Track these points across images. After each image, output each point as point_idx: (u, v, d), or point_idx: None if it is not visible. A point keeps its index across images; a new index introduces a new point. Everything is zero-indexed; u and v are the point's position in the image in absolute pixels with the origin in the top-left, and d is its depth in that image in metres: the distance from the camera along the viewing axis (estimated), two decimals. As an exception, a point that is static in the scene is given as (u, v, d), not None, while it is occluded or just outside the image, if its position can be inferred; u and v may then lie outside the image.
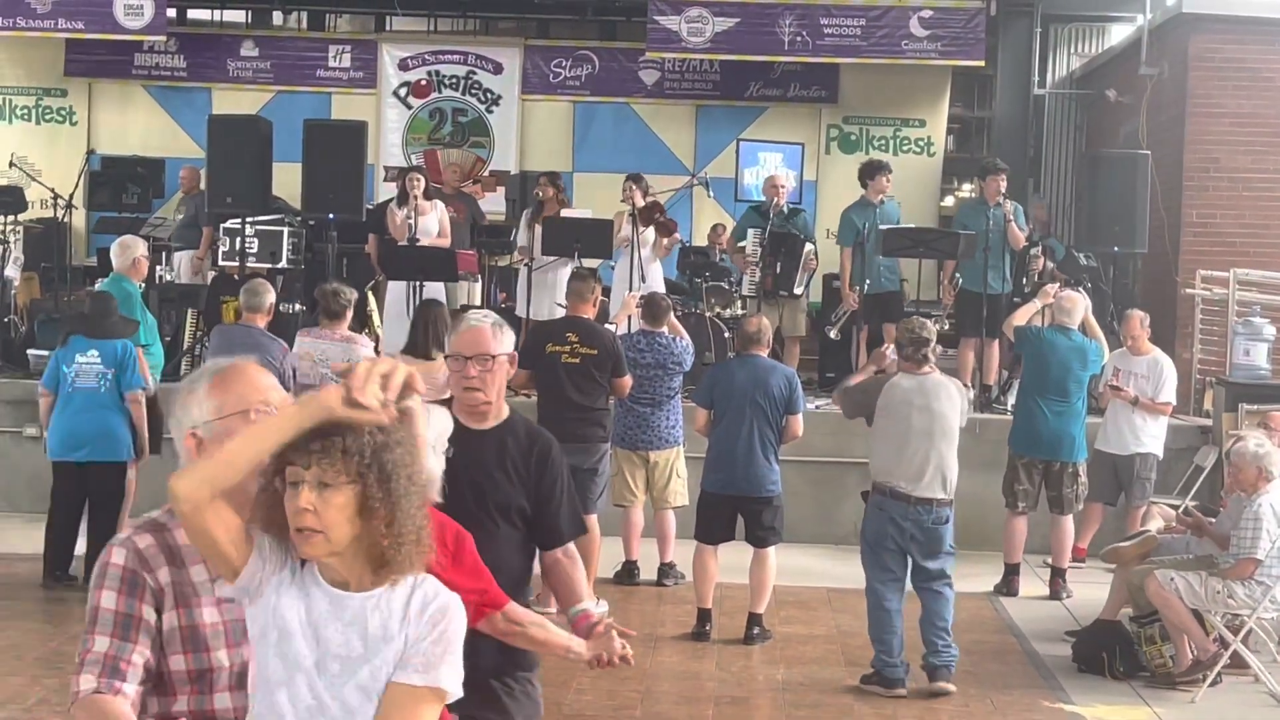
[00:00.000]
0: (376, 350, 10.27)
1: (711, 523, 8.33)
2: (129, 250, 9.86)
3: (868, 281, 11.80)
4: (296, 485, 2.63)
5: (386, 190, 14.75)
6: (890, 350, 7.89)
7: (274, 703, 2.65)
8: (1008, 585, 9.57)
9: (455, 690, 2.67)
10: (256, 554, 2.67)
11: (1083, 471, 9.58)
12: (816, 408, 10.95)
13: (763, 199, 12.57)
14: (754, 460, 8.14)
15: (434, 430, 4.14)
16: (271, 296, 8.98)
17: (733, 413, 8.19)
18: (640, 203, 11.59)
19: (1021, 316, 9.86)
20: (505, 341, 4.16)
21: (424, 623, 2.67)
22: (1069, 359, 9.45)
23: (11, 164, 14.87)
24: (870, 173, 12.13)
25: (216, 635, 2.90)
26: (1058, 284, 10.57)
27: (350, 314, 9.19)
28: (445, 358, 4.26)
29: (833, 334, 12.20)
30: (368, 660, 2.64)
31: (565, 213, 12.11)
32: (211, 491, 2.61)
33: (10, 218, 12.83)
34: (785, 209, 12.31)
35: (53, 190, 13.31)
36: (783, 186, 12.40)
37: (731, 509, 8.29)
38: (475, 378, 4.09)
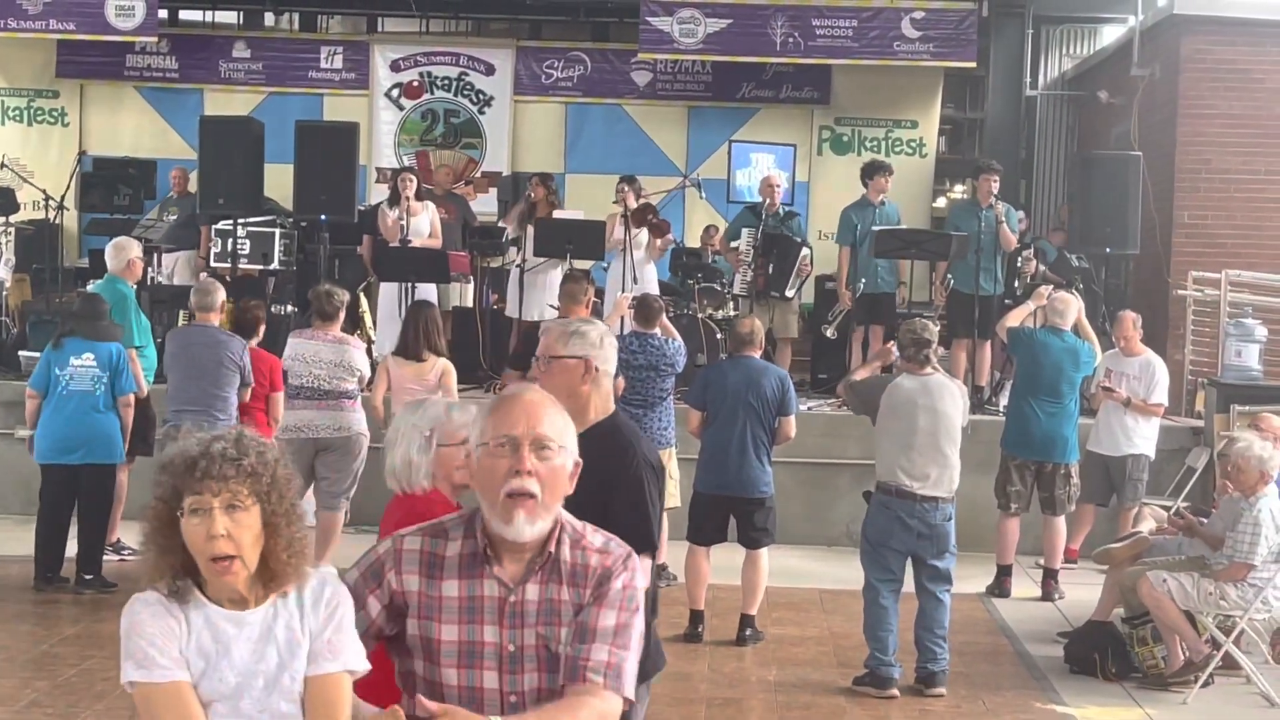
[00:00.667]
0: (369, 352, 10.25)
1: (704, 524, 8.32)
2: (124, 252, 9.82)
3: (863, 281, 11.81)
4: (202, 513, 2.66)
5: (379, 191, 14.73)
6: (895, 347, 7.89)
7: None
8: (1000, 586, 9.58)
9: (363, 665, 2.80)
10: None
11: (1075, 473, 9.57)
12: (809, 409, 10.95)
13: (757, 199, 12.57)
14: (746, 461, 8.13)
15: (427, 422, 4.13)
16: (222, 294, 9.09)
17: (725, 414, 8.18)
18: (633, 204, 11.58)
19: (1014, 318, 9.86)
20: (576, 345, 4.08)
21: (321, 614, 2.79)
22: (1061, 360, 9.45)
23: (3, 165, 14.86)
24: (870, 172, 12.16)
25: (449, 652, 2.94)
26: (1050, 285, 10.57)
27: (343, 315, 9.19)
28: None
29: (829, 332, 12.20)
30: (286, 668, 2.74)
31: (557, 214, 12.10)
32: None
33: (2, 219, 12.82)
34: (780, 211, 12.32)
35: (44, 191, 13.30)
36: (778, 187, 12.41)
37: (724, 510, 8.28)
38: (534, 380, 4.12)
